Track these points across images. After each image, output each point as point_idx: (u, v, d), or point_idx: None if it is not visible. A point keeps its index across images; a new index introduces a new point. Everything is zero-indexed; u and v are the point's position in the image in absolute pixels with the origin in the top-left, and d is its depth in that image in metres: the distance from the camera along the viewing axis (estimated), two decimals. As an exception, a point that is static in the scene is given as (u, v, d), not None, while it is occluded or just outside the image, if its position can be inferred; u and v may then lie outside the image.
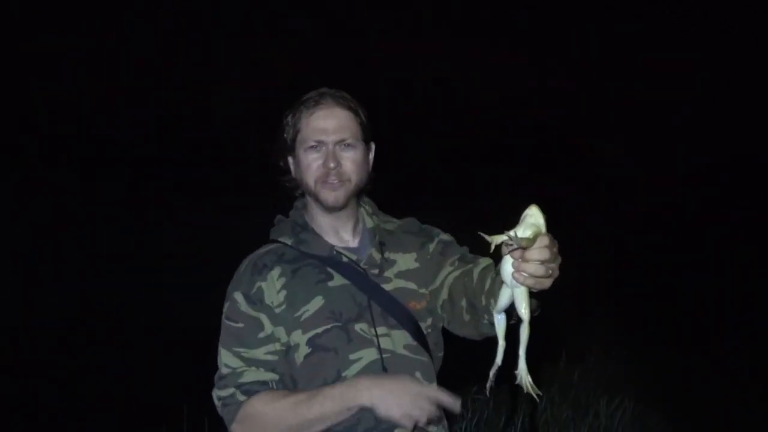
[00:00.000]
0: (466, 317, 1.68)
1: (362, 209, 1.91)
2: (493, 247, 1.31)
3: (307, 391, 1.70)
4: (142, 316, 6.74)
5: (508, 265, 1.35)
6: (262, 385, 1.73)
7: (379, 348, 1.74)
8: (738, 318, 7.21)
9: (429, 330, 1.82)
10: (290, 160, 1.87)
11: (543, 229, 1.31)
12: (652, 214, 13.79)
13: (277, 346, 1.76)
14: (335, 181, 1.78)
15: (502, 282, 1.40)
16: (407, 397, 1.59)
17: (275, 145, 1.88)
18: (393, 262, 1.84)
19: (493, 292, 1.52)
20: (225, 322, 1.78)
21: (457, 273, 1.75)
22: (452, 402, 1.60)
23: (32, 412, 4.84)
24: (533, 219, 1.30)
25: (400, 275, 1.82)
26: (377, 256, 1.82)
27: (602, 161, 17.80)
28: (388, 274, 1.82)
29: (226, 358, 1.76)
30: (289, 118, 1.83)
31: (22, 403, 4.90)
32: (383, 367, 1.73)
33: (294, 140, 1.82)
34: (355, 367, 1.72)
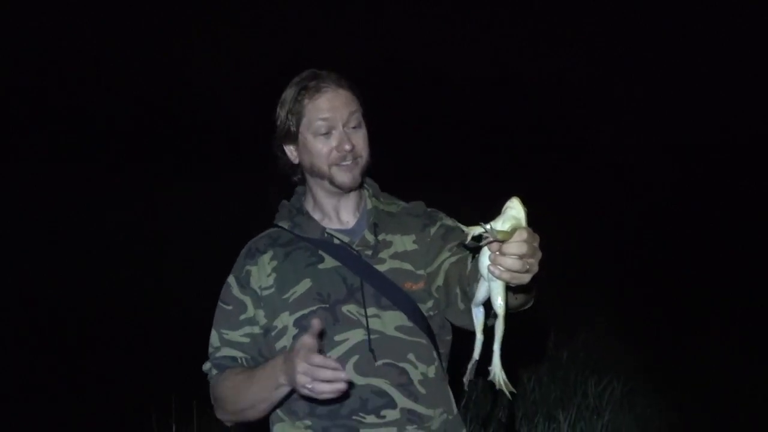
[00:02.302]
0: (461, 306, 1.65)
1: (365, 191, 1.90)
2: (469, 238, 1.29)
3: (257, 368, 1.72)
4: (130, 304, 6.71)
5: (485, 257, 1.31)
6: (232, 361, 1.79)
7: (367, 329, 1.73)
8: (727, 299, 7.25)
9: (432, 312, 1.79)
10: (291, 147, 1.85)
11: (523, 222, 1.27)
12: (643, 197, 13.86)
13: (255, 329, 1.79)
14: (351, 162, 1.79)
15: (479, 274, 1.37)
16: (295, 373, 1.51)
17: (273, 133, 1.86)
18: (389, 244, 1.82)
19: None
20: (219, 304, 1.84)
21: (453, 259, 1.72)
22: (334, 372, 1.47)
23: (21, 401, 4.83)
24: (514, 212, 1.28)
25: (395, 256, 1.80)
26: (371, 237, 1.81)
27: (599, 143, 17.84)
28: (382, 255, 1.80)
29: (213, 338, 1.82)
30: (289, 104, 1.81)
31: (9, 396, 4.89)
32: (370, 348, 1.72)
33: (298, 126, 1.80)
34: (341, 348, 1.72)
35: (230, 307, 1.80)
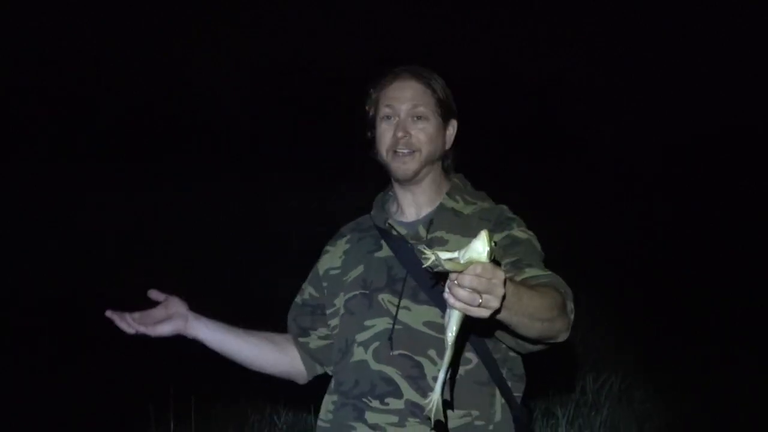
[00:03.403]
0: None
1: (447, 186, 1.91)
2: (425, 264, 1.30)
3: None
4: (129, 300, 6.70)
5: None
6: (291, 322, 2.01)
7: (394, 318, 1.77)
8: (725, 296, 7.27)
9: None
10: (371, 133, 1.91)
11: (483, 257, 1.27)
12: (641, 195, 13.87)
13: (299, 299, 1.99)
14: (405, 151, 1.81)
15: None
16: None
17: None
18: (444, 242, 1.81)
19: None
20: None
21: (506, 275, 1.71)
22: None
23: (19, 396, 4.84)
24: (477, 244, 1.28)
25: None
26: (423, 232, 1.83)
27: (598, 143, 17.83)
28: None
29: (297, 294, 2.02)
30: (371, 92, 1.89)
31: (6, 390, 4.90)
32: (389, 337, 1.76)
33: (374, 113, 1.88)
34: (366, 333, 1.79)
35: (310, 276, 1.99)
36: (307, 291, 1.97)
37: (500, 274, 1.30)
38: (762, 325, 6.23)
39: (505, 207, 1.92)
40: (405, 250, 1.82)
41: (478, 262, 1.27)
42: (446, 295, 1.31)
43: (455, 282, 1.29)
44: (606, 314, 6.45)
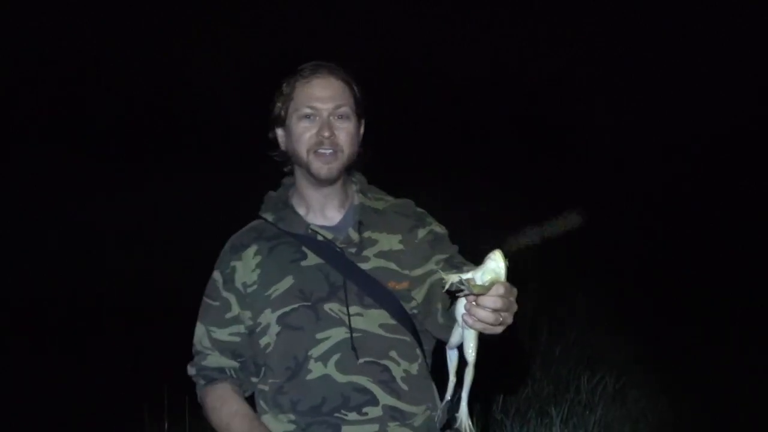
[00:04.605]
0: (441, 320, 1.66)
1: (353, 185, 1.88)
2: (447, 286, 1.31)
3: (245, 410, 1.78)
4: (123, 299, 6.72)
5: (461, 305, 1.35)
6: (221, 373, 1.81)
7: (349, 327, 1.73)
8: (719, 295, 7.26)
9: (416, 310, 1.78)
10: (280, 132, 1.84)
11: (502, 277, 1.29)
12: (638, 193, 13.84)
13: (242, 329, 1.80)
14: (328, 151, 1.76)
15: (455, 319, 1.40)
16: None
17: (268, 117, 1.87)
18: (374, 242, 1.80)
19: None
20: (204, 299, 1.84)
21: (440, 276, 1.74)
22: None
23: (12, 395, 4.85)
24: (494, 264, 1.29)
25: (380, 255, 1.79)
26: (355, 235, 1.79)
27: (597, 142, 17.81)
28: (366, 253, 1.79)
29: (199, 333, 1.83)
30: (283, 88, 1.81)
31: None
32: (352, 346, 1.72)
33: (287, 110, 1.80)
34: (322, 346, 1.72)
35: (217, 303, 1.81)
36: (243, 314, 1.80)
37: (515, 291, 1.33)
38: (758, 325, 6.24)
39: (410, 200, 1.92)
40: (336, 255, 1.77)
41: (499, 283, 1.28)
42: (465, 316, 1.31)
43: (475, 304, 1.29)
44: (600, 314, 6.46)
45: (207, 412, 1.81)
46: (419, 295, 1.76)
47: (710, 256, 8.96)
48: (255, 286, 1.78)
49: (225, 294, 1.80)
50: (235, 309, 1.79)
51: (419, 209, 1.89)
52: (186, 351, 1.88)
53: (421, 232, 1.82)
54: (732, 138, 16.73)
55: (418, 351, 1.79)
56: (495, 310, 1.29)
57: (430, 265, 1.76)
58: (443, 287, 1.33)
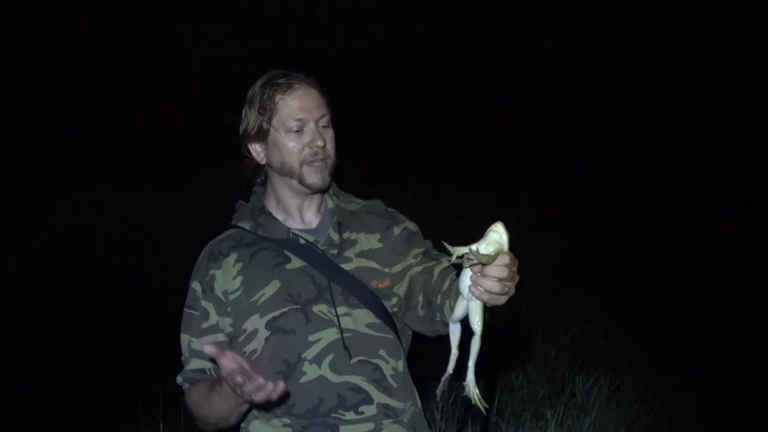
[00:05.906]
0: (421, 312, 1.70)
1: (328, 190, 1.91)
2: (454, 258, 1.34)
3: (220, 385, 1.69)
4: (118, 296, 6.70)
5: (466, 278, 1.38)
6: (202, 373, 1.81)
7: (339, 327, 1.75)
8: (713, 297, 7.30)
9: (395, 308, 1.81)
10: (258, 147, 1.83)
11: (505, 247, 1.33)
12: (631, 192, 13.89)
13: (220, 337, 1.79)
14: (321, 162, 1.79)
15: (459, 292, 1.43)
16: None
17: (241, 132, 1.85)
18: (354, 242, 1.83)
19: (449, 294, 1.56)
20: (185, 309, 1.84)
21: (419, 268, 1.76)
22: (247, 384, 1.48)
23: (8, 391, 4.83)
24: (497, 236, 1.32)
25: (361, 255, 1.82)
26: (335, 236, 1.82)
27: (583, 137, 17.85)
28: (348, 254, 1.82)
29: (183, 343, 1.83)
30: (258, 102, 1.79)
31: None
32: (344, 346, 1.74)
33: (269, 124, 1.79)
34: (315, 348, 1.74)
35: (197, 313, 1.81)
36: (222, 322, 1.79)
37: (517, 262, 1.36)
38: (754, 327, 6.27)
39: (379, 201, 1.96)
40: (318, 257, 1.80)
41: (503, 253, 1.32)
42: (471, 287, 1.35)
43: (480, 275, 1.33)
44: (596, 316, 6.48)
45: (191, 409, 1.81)
46: (401, 290, 1.79)
47: (706, 258, 8.99)
48: (238, 293, 1.77)
49: (204, 303, 1.80)
50: (213, 318, 1.79)
51: (389, 208, 1.94)
52: (180, 353, 1.88)
53: (396, 230, 1.87)
54: (732, 138, 16.80)
55: (400, 348, 1.84)
56: (500, 280, 1.32)
57: (409, 260, 1.80)
58: (449, 261, 1.37)
